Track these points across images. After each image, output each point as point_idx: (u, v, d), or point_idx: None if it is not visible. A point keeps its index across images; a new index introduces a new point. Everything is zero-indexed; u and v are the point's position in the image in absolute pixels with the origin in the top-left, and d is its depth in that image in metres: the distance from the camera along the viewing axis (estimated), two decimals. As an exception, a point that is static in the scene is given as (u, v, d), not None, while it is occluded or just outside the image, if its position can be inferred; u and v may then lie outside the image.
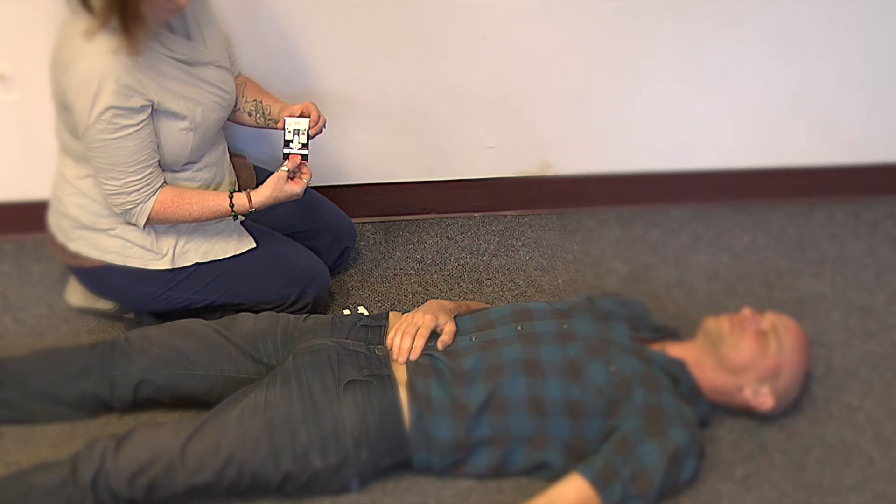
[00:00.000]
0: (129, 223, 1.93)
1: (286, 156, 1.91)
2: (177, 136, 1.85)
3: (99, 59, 1.71)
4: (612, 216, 2.50)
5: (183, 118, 1.84)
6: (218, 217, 1.94)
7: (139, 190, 1.85)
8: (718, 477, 1.87)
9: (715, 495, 1.84)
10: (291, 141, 1.92)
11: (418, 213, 2.51)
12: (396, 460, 1.80)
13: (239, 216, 1.94)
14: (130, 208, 1.87)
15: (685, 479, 1.79)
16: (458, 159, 2.43)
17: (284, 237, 2.14)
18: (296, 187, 1.92)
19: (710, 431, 1.93)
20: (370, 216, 2.49)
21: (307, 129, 1.92)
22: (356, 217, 2.38)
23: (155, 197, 1.87)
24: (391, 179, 2.45)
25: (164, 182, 1.89)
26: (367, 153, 2.39)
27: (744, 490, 1.86)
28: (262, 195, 1.91)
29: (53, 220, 2.02)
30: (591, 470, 1.72)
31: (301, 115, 1.93)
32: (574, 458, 1.78)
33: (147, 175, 1.84)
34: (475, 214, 2.52)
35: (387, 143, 2.37)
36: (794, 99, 2.34)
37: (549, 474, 1.80)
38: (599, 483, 1.71)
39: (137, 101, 1.76)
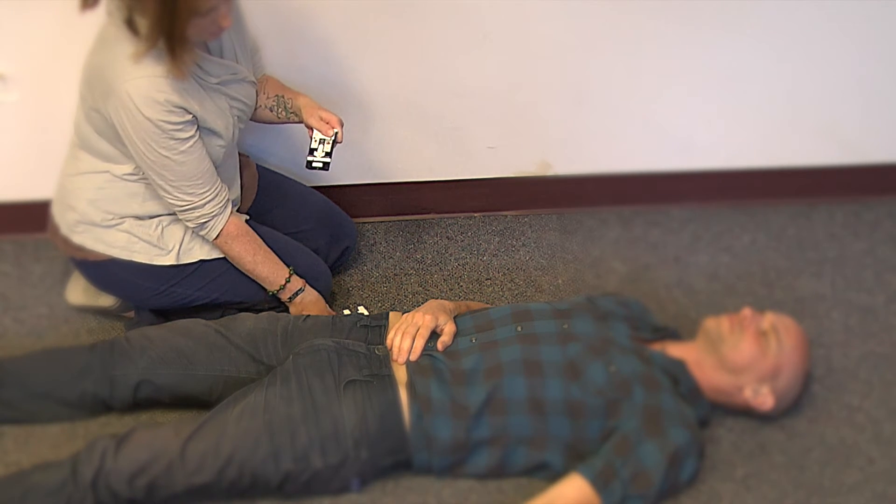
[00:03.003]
0: (199, 234, 1.96)
1: (309, 163, 1.98)
2: (214, 153, 1.88)
3: (150, 80, 1.72)
4: (612, 216, 2.49)
5: (220, 136, 1.87)
6: (262, 281, 2.02)
7: (212, 201, 1.88)
8: (718, 477, 1.87)
9: (715, 495, 1.84)
10: (316, 150, 1.98)
11: (418, 213, 2.51)
12: (396, 460, 1.80)
13: (273, 292, 2.03)
14: (205, 221, 1.90)
15: (685, 479, 1.79)
16: (458, 159, 2.42)
17: (285, 237, 2.13)
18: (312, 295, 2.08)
19: (710, 431, 1.93)
20: (370, 216, 2.49)
21: (333, 140, 1.97)
22: (356, 217, 2.38)
23: (228, 210, 1.92)
24: (391, 179, 2.45)
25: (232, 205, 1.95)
26: (367, 153, 2.39)
27: (744, 490, 1.86)
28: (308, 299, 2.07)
29: (58, 212, 2.02)
30: (591, 470, 1.72)
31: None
32: (574, 458, 1.78)
33: (217, 184, 1.89)
34: (475, 214, 2.52)
35: (387, 143, 2.37)
36: (794, 99, 2.34)
37: (549, 474, 1.80)
38: (599, 483, 1.71)
39: (188, 117, 1.78)
